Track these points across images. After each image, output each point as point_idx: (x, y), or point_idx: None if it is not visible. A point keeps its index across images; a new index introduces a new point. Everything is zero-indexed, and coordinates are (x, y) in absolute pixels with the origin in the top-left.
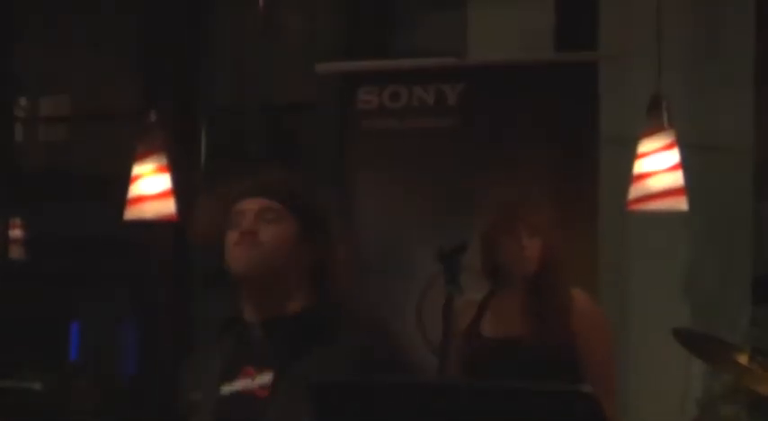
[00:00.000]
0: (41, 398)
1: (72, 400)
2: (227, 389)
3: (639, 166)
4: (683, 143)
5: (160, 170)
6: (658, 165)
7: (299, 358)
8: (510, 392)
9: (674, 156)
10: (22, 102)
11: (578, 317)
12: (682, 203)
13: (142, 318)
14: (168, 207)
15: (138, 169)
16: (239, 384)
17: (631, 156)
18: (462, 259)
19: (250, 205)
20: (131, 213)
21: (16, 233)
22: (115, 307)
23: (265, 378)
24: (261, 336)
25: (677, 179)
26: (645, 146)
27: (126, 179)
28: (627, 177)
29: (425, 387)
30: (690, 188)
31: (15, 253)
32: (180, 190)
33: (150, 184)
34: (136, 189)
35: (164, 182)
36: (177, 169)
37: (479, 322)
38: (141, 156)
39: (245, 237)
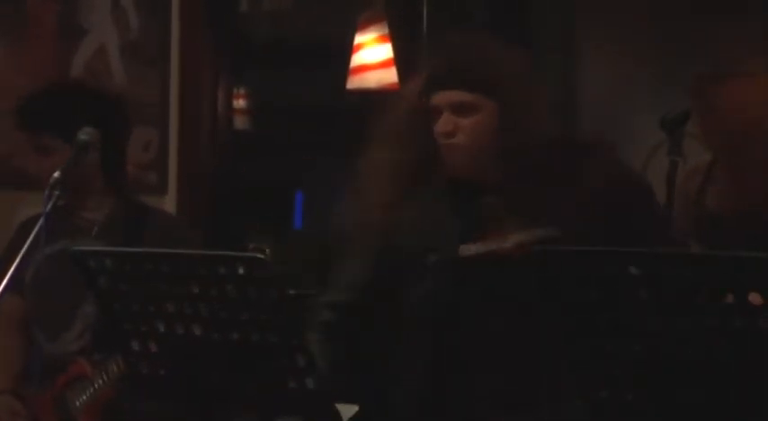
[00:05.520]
0: (268, 267)
1: (299, 269)
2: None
3: None
4: None
5: (382, 39)
6: None
7: None
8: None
9: None
10: None
11: None
12: None
13: None
14: (391, 76)
15: (360, 38)
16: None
17: None
18: (686, 126)
19: (442, 98)
20: (354, 82)
21: (241, 103)
22: (338, 175)
23: None
24: None
25: None
26: None
27: (348, 48)
28: None
29: (647, 256)
30: None
31: (240, 122)
32: (402, 59)
33: (372, 53)
34: (358, 58)
35: (385, 51)
36: (399, 38)
37: (704, 191)
38: (363, 26)
39: (443, 139)
